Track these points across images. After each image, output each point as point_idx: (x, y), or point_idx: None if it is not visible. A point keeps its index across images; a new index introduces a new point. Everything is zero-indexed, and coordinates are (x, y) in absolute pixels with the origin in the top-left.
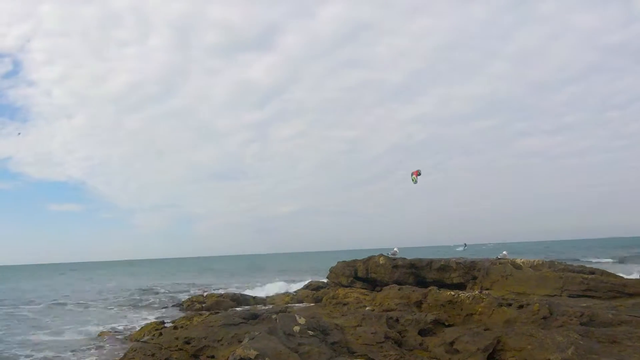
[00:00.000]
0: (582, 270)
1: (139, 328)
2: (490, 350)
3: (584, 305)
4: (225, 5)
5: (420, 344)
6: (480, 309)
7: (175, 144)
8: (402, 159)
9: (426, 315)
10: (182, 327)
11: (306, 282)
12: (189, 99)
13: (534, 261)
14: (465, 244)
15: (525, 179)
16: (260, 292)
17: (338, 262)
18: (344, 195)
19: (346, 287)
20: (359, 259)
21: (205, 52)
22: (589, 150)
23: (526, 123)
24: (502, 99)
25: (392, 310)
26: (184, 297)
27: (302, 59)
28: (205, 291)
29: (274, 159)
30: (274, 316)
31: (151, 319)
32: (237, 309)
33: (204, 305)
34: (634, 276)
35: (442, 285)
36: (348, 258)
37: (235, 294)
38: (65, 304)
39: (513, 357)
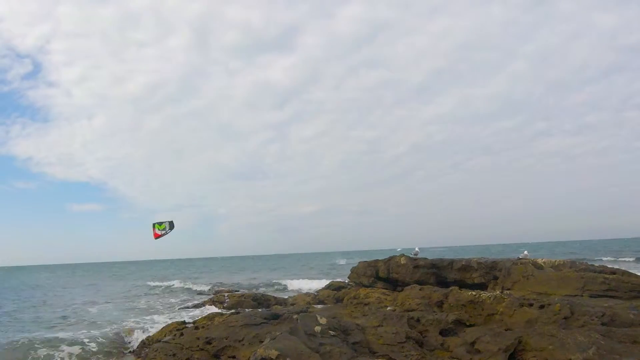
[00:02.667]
0: (604, 270)
1: (160, 328)
2: (512, 350)
3: (606, 305)
4: (244, 6)
5: (442, 344)
6: (501, 309)
7: (196, 144)
8: (423, 159)
9: (447, 316)
10: (203, 327)
11: (327, 282)
12: (209, 99)
13: (555, 261)
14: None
15: (546, 179)
16: (281, 292)
17: (359, 262)
18: (364, 195)
19: (367, 287)
20: (380, 259)
21: (224, 52)
22: (609, 150)
23: (546, 123)
24: (522, 98)
25: (413, 310)
26: (205, 297)
27: (322, 59)
28: (227, 291)
29: (295, 159)
30: (295, 316)
31: (172, 319)
32: (258, 309)
33: (225, 305)
34: None
35: (463, 285)
36: (369, 258)
37: (256, 294)
38: (87, 303)
39: (534, 357)
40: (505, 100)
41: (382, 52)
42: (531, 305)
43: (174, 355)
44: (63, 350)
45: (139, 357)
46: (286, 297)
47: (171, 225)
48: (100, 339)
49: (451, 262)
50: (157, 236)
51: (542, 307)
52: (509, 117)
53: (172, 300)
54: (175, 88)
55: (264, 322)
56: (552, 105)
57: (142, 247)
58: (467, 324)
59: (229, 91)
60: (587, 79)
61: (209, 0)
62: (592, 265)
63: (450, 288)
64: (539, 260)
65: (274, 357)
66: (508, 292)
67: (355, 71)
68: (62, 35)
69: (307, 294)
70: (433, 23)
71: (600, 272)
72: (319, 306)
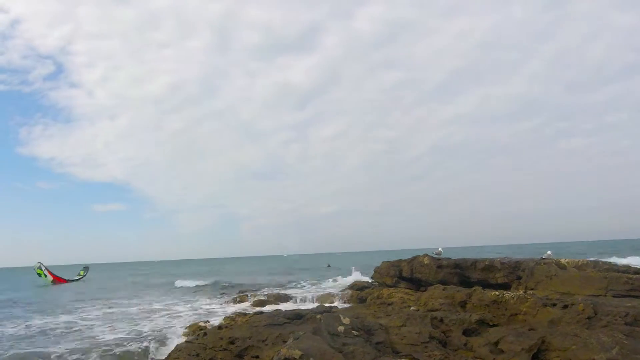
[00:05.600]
0: (627, 270)
1: (183, 328)
2: (535, 350)
3: (629, 305)
4: (264, 7)
5: (465, 344)
6: (524, 309)
7: (217, 144)
8: (442, 159)
9: (470, 315)
10: (226, 327)
11: (350, 282)
12: (229, 100)
13: (578, 261)
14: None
15: (566, 178)
16: (304, 292)
17: (382, 262)
18: (385, 195)
19: (390, 287)
20: (403, 259)
21: (244, 53)
22: (629, 150)
23: (566, 123)
24: (541, 98)
25: (436, 310)
26: (227, 297)
27: (342, 59)
28: (249, 291)
29: (315, 159)
30: (318, 316)
31: (195, 318)
32: (281, 309)
33: (248, 304)
34: None
35: (486, 285)
36: (392, 258)
37: (279, 294)
38: (108, 302)
39: (557, 357)
40: (525, 100)
41: (401, 53)
42: (554, 305)
43: (197, 355)
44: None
45: (161, 357)
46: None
47: (86, 270)
48: (123, 338)
49: (474, 262)
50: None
51: (565, 307)
52: (528, 117)
53: (194, 300)
54: (196, 89)
55: (287, 322)
56: (572, 105)
57: (165, 247)
58: (491, 323)
59: (250, 92)
60: (606, 79)
61: (229, 1)
62: (616, 265)
63: (474, 288)
64: (562, 260)
65: (297, 357)
66: (531, 292)
67: (375, 71)
68: (83, 37)
69: (331, 294)
70: (452, 23)
71: (623, 272)
72: (342, 306)
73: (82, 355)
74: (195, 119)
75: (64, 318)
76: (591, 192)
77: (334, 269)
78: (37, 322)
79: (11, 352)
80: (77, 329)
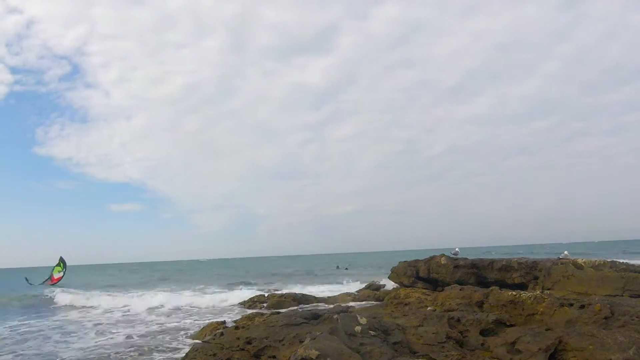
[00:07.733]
0: None
1: (200, 328)
2: (552, 350)
3: None
4: (280, 7)
5: (482, 344)
6: (541, 309)
7: (234, 144)
8: (459, 159)
9: (488, 315)
10: (243, 327)
11: (367, 282)
12: (246, 100)
13: (595, 261)
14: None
15: (583, 178)
16: (321, 292)
17: (399, 262)
18: (402, 195)
19: (407, 287)
20: (420, 259)
21: (260, 54)
22: None
23: (583, 123)
24: (558, 98)
25: (453, 310)
26: (245, 296)
27: (358, 60)
28: (267, 291)
29: (332, 159)
30: (335, 316)
31: (212, 318)
32: (299, 309)
33: (265, 305)
34: None
35: (503, 285)
36: (409, 258)
37: (296, 293)
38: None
39: (574, 357)
40: (541, 100)
41: (417, 52)
42: (571, 305)
43: (214, 355)
44: None
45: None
46: (326, 296)
47: (63, 261)
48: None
49: (491, 262)
50: (55, 281)
51: (582, 307)
52: (545, 117)
53: (211, 299)
54: (213, 89)
55: (304, 322)
56: (589, 105)
57: (182, 247)
58: (508, 324)
59: (266, 92)
60: (623, 79)
61: (245, 1)
62: (633, 265)
63: (491, 288)
64: (579, 260)
65: (314, 357)
66: (548, 292)
67: (391, 71)
68: (99, 37)
69: (347, 294)
70: (468, 23)
71: None
72: (359, 306)
73: None
74: (212, 119)
75: None
76: (608, 192)
77: (343, 271)
78: None
79: None
80: None
